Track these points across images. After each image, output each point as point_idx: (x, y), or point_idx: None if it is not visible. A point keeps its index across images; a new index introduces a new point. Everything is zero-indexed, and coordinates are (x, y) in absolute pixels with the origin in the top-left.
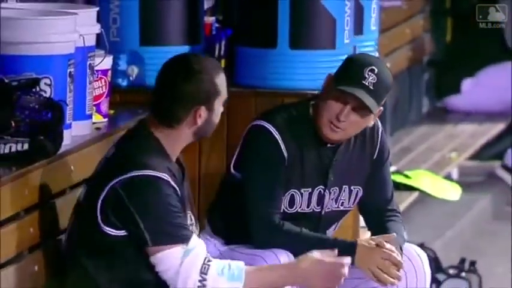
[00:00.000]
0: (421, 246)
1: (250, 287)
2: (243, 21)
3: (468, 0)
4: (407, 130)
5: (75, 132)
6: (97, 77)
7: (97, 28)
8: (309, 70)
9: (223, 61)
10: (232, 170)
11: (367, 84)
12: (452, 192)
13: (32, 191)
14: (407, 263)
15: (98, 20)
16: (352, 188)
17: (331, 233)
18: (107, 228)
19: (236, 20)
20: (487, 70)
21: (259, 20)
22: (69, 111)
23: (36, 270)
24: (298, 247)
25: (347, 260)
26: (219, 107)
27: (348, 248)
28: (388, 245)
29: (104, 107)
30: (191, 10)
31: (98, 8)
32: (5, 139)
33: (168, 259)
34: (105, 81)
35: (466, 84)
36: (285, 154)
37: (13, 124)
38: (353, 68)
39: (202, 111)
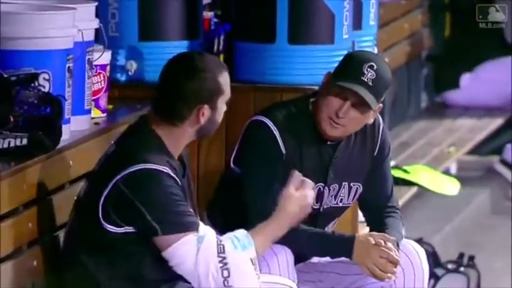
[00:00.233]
0: (420, 241)
1: (259, 246)
2: (242, 16)
3: None
4: (406, 125)
5: (73, 127)
6: (96, 72)
7: (96, 23)
8: (307, 65)
9: (221, 56)
10: (231, 165)
11: (366, 80)
12: (451, 187)
13: (31, 186)
14: (405, 259)
15: (97, 15)
16: (351, 184)
17: (329, 229)
18: (108, 226)
19: (235, 15)
20: (485, 65)
21: (257, 15)
22: (67, 106)
23: (35, 265)
24: (297, 242)
25: (309, 186)
26: (222, 106)
27: (346, 242)
28: (388, 244)
29: (103, 102)
30: (190, 5)
31: (96, 3)
32: (3, 134)
33: (183, 249)
34: (103, 76)
35: (465, 79)
36: (283, 150)
37: (12, 119)
38: (352, 65)
39: (206, 110)
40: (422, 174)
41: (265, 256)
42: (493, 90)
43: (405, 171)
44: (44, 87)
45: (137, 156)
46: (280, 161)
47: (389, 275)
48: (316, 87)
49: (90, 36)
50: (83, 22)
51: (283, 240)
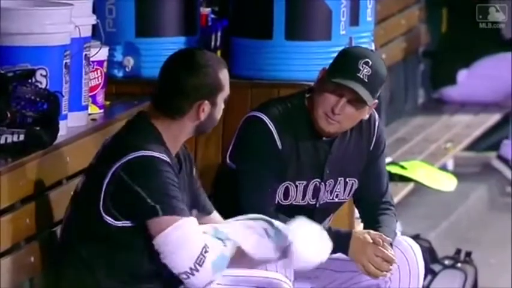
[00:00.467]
0: (417, 237)
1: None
2: (239, 12)
3: None
4: (403, 121)
5: (70, 123)
6: (93, 68)
7: (93, 19)
8: (304, 61)
9: (218, 52)
10: (227, 160)
11: (361, 76)
12: (447, 183)
13: (28, 182)
14: (400, 256)
15: (94, 11)
16: (347, 180)
17: (325, 225)
18: (107, 218)
19: (232, 11)
20: (482, 61)
21: (255, 11)
22: (64, 102)
23: (33, 261)
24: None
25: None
26: (221, 103)
27: (342, 238)
28: (385, 245)
29: (100, 98)
30: (187, 1)
31: None
32: (0, 130)
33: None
34: (100, 72)
35: (462, 75)
36: (279, 145)
37: (9, 115)
38: (347, 61)
39: (206, 106)
40: (419, 170)
41: None
42: (490, 86)
43: (402, 167)
44: (41, 83)
45: (135, 145)
46: (276, 157)
47: (384, 272)
48: (313, 84)
49: (87, 32)
50: (80, 18)
51: None
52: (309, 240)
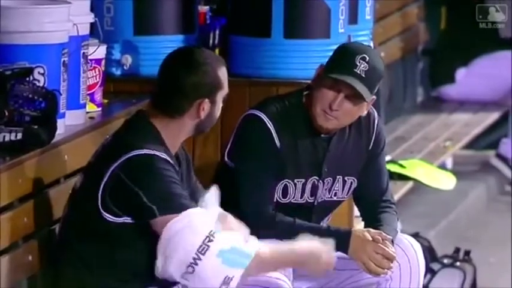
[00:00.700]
0: (416, 235)
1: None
2: (237, 10)
3: None
4: (402, 119)
5: (68, 121)
6: (91, 66)
7: (91, 17)
8: (303, 59)
9: (217, 50)
10: (226, 158)
11: (358, 72)
12: (446, 181)
13: (26, 181)
14: (401, 254)
15: (92, 9)
16: (346, 178)
17: (325, 223)
18: (107, 215)
19: (230, 9)
20: (481, 59)
21: (253, 9)
22: (62, 101)
23: (31, 259)
24: (291, 237)
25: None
26: (220, 101)
27: (342, 237)
28: (386, 242)
29: (98, 96)
30: None
31: None
32: None
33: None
34: (98, 71)
35: (460, 73)
36: (278, 143)
37: (6, 113)
38: (344, 57)
39: (206, 104)
40: (418, 169)
41: None
42: (488, 85)
43: (401, 165)
44: (38, 81)
45: (134, 143)
46: (275, 155)
47: (384, 270)
48: (311, 81)
49: (85, 30)
50: (78, 16)
51: (279, 235)
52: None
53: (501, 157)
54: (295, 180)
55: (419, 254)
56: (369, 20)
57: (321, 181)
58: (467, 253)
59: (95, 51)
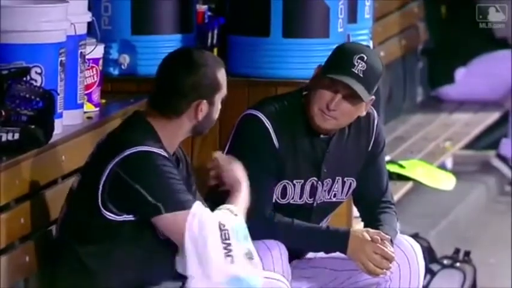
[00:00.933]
0: (415, 236)
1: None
2: (236, 9)
3: None
4: (401, 119)
5: (66, 121)
6: (88, 66)
7: (88, 16)
8: (302, 59)
9: (215, 50)
10: None
11: (356, 72)
12: (446, 181)
13: (23, 181)
14: (400, 254)
15: (89, 9)
16: (345, 179)
17: (324, 224)
18: (107, 214)
19: (229, 9)
20: (480, 59)
21: (252, 8)
22: (60, 100)
23: (28, 260)
24: (290, 237)
25: None
26: (219, 103)
27: (340, 237)
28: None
29: (95, 96)
30: None
31: None
32: None
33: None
34: (96, 70)
35: (460, 73)
36: (276, 144)
37: (3, 113)
38: (342, 57)
39: (204, 105)
40: (418, 169)
41: (259, 251)
42: (488, 85)
43: (401, 166)
44: (36, 81)
45: (132, 141)
46: (274, 156)
47: (383, 270)
48: (309, 81)
49: (82, 29)
50: (75, 15)
51: (278, 236)
52: None
53: (501, 157)
54: (294, 181)
55: (418, 254)
56: (368, 19)
57: (320, 182)
58: (467, 254)
59: (93, 50)
